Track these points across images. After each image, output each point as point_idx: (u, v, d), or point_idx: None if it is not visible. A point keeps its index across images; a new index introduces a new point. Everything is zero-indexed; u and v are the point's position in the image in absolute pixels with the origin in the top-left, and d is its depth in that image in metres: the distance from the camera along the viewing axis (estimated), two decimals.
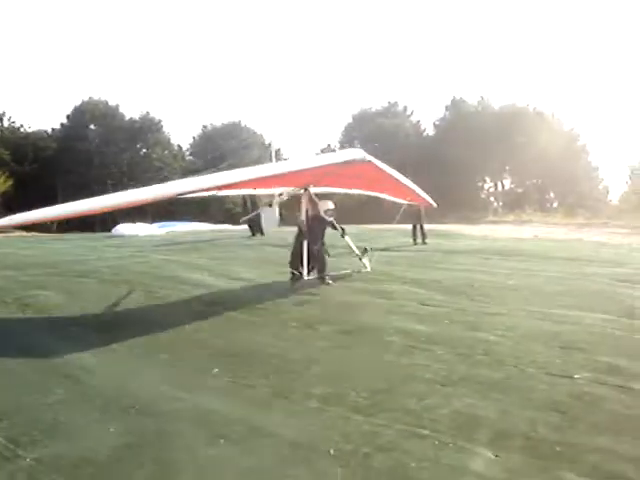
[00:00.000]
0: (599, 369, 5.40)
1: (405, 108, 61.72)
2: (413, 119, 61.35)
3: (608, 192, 55.15)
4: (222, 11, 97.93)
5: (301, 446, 3.99)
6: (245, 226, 22.52)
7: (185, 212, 41.51)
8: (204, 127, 62.44)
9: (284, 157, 56.67)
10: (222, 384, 5.32)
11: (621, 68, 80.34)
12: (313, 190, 10.44)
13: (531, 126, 49.80)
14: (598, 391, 4.88)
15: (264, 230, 21.02)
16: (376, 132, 55.70)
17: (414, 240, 17.42)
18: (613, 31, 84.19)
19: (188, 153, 62.91)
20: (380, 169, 9.52)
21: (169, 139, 60.87)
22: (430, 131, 60.09)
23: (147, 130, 58.16)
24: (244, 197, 21.23)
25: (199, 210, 44.68)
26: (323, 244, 10.27)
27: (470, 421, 4.32)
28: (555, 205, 51.62)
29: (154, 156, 57.36)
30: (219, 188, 8.72)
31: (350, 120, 61.53)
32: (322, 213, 10.21)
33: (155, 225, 27.22)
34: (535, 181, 55.27)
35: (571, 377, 5.22)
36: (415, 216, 17.03)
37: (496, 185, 58.18)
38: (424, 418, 4.38)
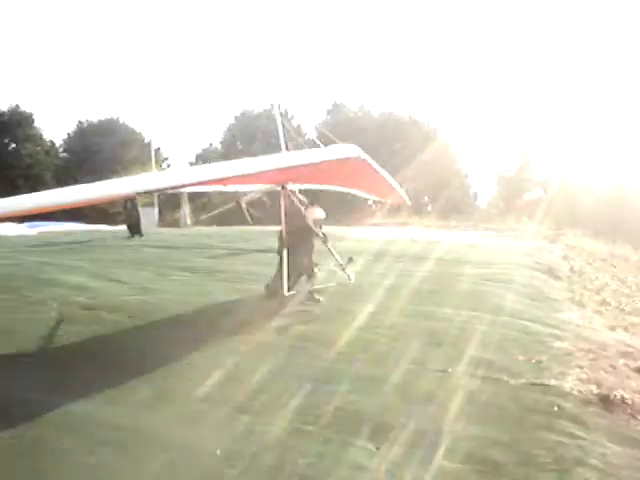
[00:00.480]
0: (470, 363, 5.80)
1: (286, 112, 62.32)
2: (294, 123, 62.06)
3: (477, 198, 58.72)
4: (101, 2, 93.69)
5: (188, 448, 3.98)
6: (123, 227, 21.79)
7: (58, 211, 39.28)
8: (79, 123, 59.51)
9: (164, 156, 55.59)
10: (101, 388, 5.13)
11: (489, 85, 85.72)
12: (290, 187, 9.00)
13: (407, 133, 52.13)
14: (469, 383, 5.25)
15: (142, 231, 20.52)
16: (257, 133, 56.01)
17: None
18: (477, 49, 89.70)
19: (62, 150, 59.66)
20: (372, 167, 8.91)
21: (41, 135, 57.35)
22: (312, 135, 60.96)
23: (16, 124, 54.42)
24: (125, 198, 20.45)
25: (72, 209, 42.48)
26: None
27: (352, 416, 4.51)
28: (429, 209, 54.05)
29: (24, 152, 53.83)
30: (183, 186, 7.82)
31: (232, 121, 61.29)
32: (310, 223, 8.70)
33: (24, 225, 25.21)
34: (411, 186, 57.72)
35: (445, 371, 5.57)
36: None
37: None
38: (309, 415, 4.51)
